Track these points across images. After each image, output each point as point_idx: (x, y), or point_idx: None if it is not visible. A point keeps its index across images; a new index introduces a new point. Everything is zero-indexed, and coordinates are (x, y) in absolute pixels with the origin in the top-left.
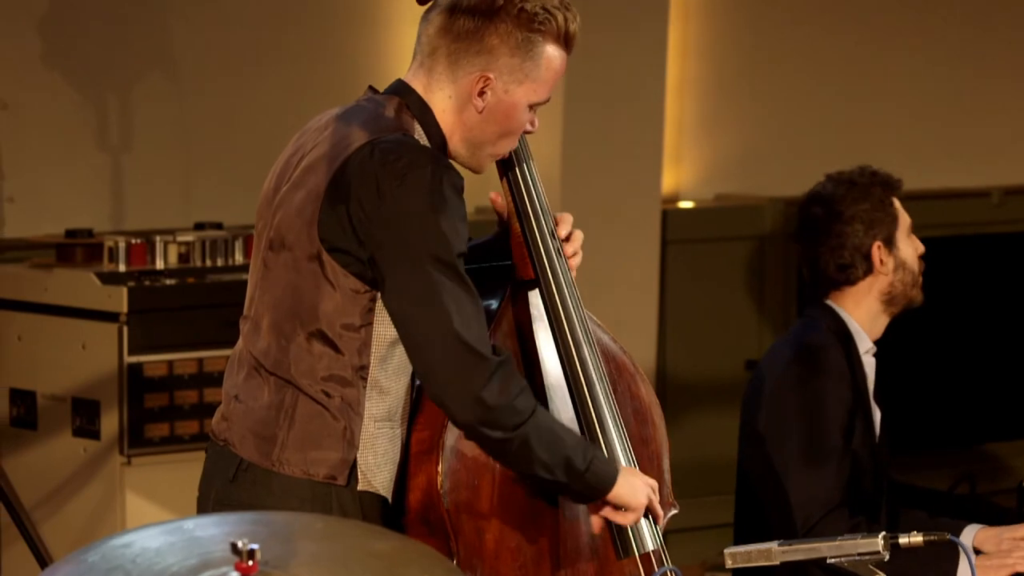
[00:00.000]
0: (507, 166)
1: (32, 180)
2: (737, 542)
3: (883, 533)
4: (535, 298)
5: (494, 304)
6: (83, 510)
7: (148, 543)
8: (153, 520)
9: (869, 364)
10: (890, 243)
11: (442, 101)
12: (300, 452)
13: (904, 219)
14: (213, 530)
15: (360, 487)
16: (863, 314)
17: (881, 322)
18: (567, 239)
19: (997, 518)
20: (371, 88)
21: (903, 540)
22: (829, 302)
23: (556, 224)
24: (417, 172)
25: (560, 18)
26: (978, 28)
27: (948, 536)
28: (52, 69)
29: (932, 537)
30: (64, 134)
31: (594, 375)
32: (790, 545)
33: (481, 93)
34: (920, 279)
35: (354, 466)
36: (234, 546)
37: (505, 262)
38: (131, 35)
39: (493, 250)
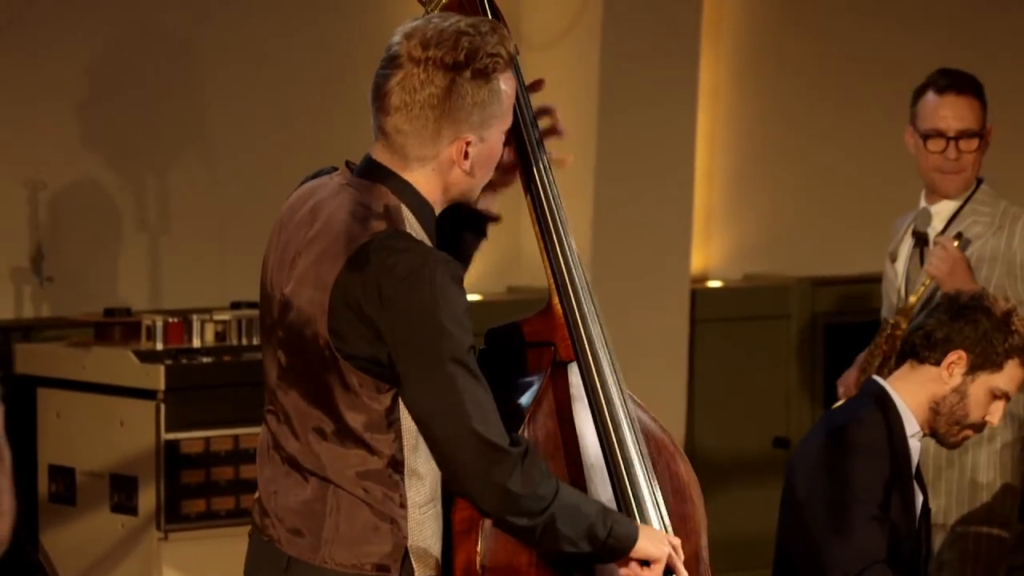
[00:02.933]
0: (546, 239)
1: (71, 260)
2: None
3: None
4: (575, 377)
5: (534, 385)
6: None
7: None
8: None
9: (915, 447)
10: (973, 369)
11: (424, 175)
12: (348, 548)
13: (1004, 380)
14: None
15: (418, 574)
16: (914, 402)
17: (928, 423)
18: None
19: None
20: (348, 165)
21: None
22: (883, 382)
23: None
24: (416, 272)
25: (504, 53)
26: (1008, 106)
27: None
28: (91, 151)
29: None
30: (102, 215)
31: (634, 456)
32: None
33: (465, 155)
34: (967, 432)
35: (406, 555)
36: None
37: (545, 342)
38: (167, 119)
39: (531, 330)
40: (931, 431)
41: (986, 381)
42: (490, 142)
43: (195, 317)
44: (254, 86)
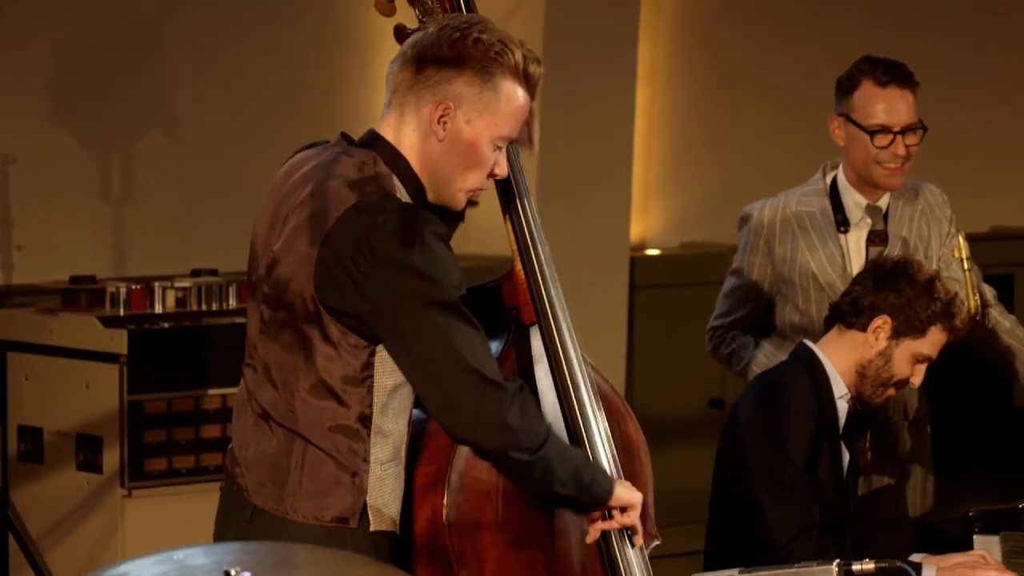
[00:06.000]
0: (511, 208)
1: (39, 229)
2: (706, 568)
3: (837, 561)
4: (536, 340)
5: (497, 347)
6: (86, 540)
7: (142, 572)
8: (152, 549)
9: (842, 408)
10: (897, 335)
11: (409, 136)
12: (311, 500)
13: (926, 345)
14: (202, 560)
15: (373, 527)
16: (842, 366)
17: (854, 386)
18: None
19: (945, 547)
20: (344, 137)
21: (856, 568)
22: (812, 346)
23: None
24: (405, 229)
25: (517, 54)
26: (936, 86)
27: (899, 563)
28: (59, 126)
29: (884, 564)
30: (69, 186)
31: (591, 415)
32: (750, 572)
33: (441, 121)
34: (890, 391)
35: (364, 508)
36: (227, 573)
37: (508, 306)
38: (133, 95)
39: (494, 295)
40: (856, 393)
41: (909, 346)
42: (475, 129)
43: (157, 284)
44: (218, 66)
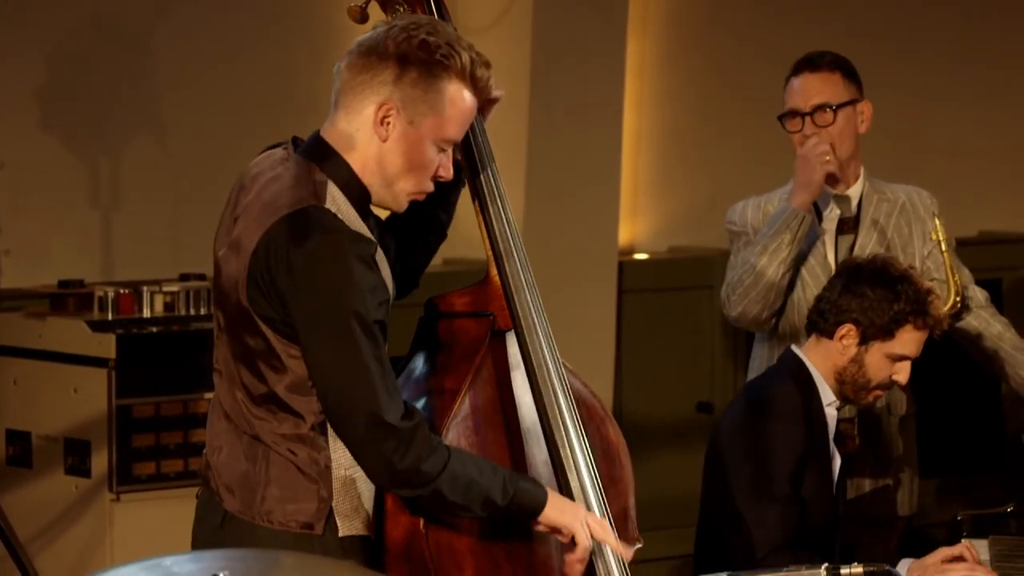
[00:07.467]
0: (485, 212)
1: (28, 234)
2: (696, 572)
3: (825, 565)
4: (513, 346)
5: (473, 353)
6: (75, 544)
7: None
8: (141, 554)
9: (831, 415)
10: (865, 340)
11: (351, 138)
12: (279, 505)
13: (899, 346)
14: (190, 566)
15: (342, 533)
16: (825, 372)
17: (837, 392)
18: None
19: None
20: (294, 141)
21: (844, 571)
22: (798, 351)
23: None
24: (324, 248)
25: (465, 57)
26: (925, 92)
27: (887, 567)
28: (48, 131)
29: (872, 568)
30: (58, 191)
31: (568, 420)
32: None
33: (384, 121)
34: (875, 392)
35: (331, 514)
36: None
37: (484, 312)
38: (122, 101)
39: (471, 299)
40: (842, 397)
41: (880, 349)
42: (418, 129)
43: (145, 288)
44: (207, 71)
